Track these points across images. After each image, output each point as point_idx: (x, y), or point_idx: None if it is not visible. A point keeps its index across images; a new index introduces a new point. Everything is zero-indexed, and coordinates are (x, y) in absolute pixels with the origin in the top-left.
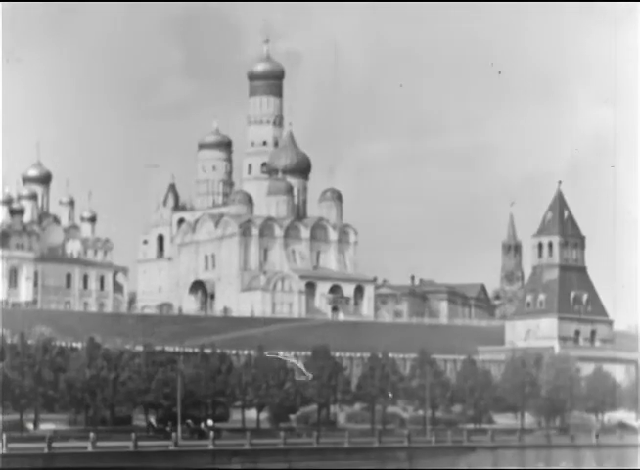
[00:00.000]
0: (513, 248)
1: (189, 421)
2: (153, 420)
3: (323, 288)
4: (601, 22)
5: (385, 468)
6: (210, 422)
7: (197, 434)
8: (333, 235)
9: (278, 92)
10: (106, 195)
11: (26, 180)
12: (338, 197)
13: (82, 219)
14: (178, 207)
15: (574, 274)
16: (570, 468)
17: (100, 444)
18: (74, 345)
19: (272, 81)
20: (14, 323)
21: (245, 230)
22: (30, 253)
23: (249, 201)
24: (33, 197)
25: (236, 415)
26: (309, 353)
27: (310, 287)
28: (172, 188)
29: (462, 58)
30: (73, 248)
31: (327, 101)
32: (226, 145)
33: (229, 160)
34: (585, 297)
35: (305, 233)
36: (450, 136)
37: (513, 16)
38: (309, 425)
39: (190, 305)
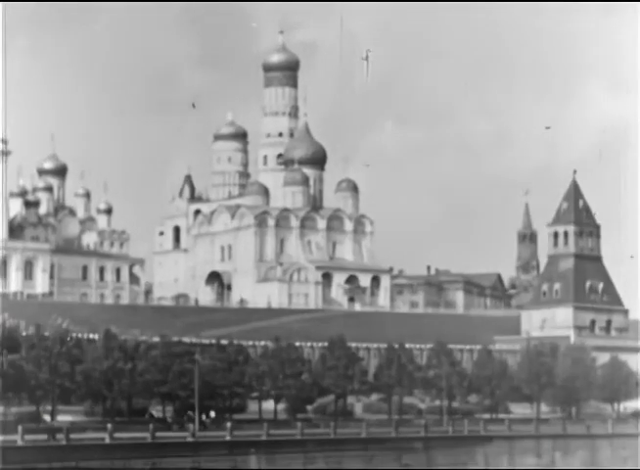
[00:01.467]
0: (528, 237)
1: (190, 413)
2: (154, 411)
3: (339, 278)
4: (615, 14)
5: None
6: (213, 414)
7: (200, 426)
8: (349, 225)
9: (293, 83)
10: (121, 186)
11: (42, 172)
12: (353, 187)
13: (98, 211)
14: (194, 198)
15: (590, 263)
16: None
17: (117, 435)
18: (91, 336)
19: (287, 72)
20: (30, 315)
21: (261, 221)
22: (46, 245)
23: (264, 192)
24: (49, 189)
25: (253, 406)
26: (326, 344)
27: (326, 278)
28: (188, 179)
29: (478, 48)
30: (89, 240)
31: (342, 91)
32: (242, 136)
33: (245, 151)
34: (601, 286)
35: (321, 224)
36: (466, 126)
37: (529, 7)
38: (326, 416)
39: (206, 296)
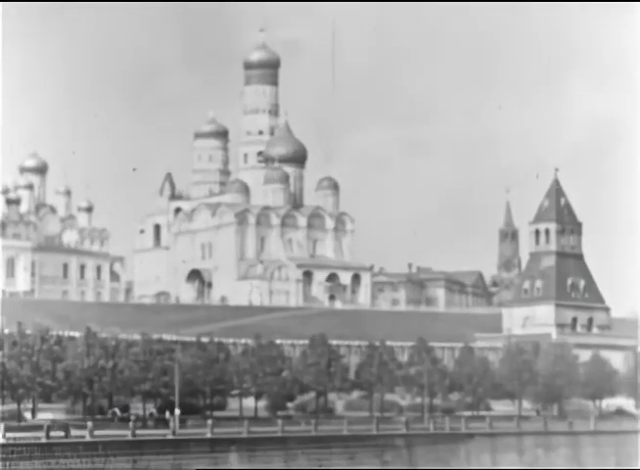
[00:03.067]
0: (510, 235)
1: (153, 411)
2: (117, 409)
3: (320, 276)
4: (601, 12)
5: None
6: (177, 411)
7: (162, 423)
8: (329, 223)
9: (274, 81)
10: (102, 185)
11: (23, 170)
12: (334, 185)
13: (79, 209)
14: (175, 196)
15: (571, 261)
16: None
17: (98, 433)
18: (72, 334)
19: (268, 70)
20: (11, 313)
21: (241, 219)
22: (27, 242)
23: (245, 190)
24: (30, 187)
25: (234, 404)
26: (307, 342)
27: (307, 275)
28: (169, 177)
29: (461, 46)
30: (70, 237)
31: (324, 89)
32: (222, 134)
33: (225, 149)
34: (582, 283)
35: (302, 222)
36: (447, 124)
37: (514, 6)
38: (307, 413)
39: (187, 293)
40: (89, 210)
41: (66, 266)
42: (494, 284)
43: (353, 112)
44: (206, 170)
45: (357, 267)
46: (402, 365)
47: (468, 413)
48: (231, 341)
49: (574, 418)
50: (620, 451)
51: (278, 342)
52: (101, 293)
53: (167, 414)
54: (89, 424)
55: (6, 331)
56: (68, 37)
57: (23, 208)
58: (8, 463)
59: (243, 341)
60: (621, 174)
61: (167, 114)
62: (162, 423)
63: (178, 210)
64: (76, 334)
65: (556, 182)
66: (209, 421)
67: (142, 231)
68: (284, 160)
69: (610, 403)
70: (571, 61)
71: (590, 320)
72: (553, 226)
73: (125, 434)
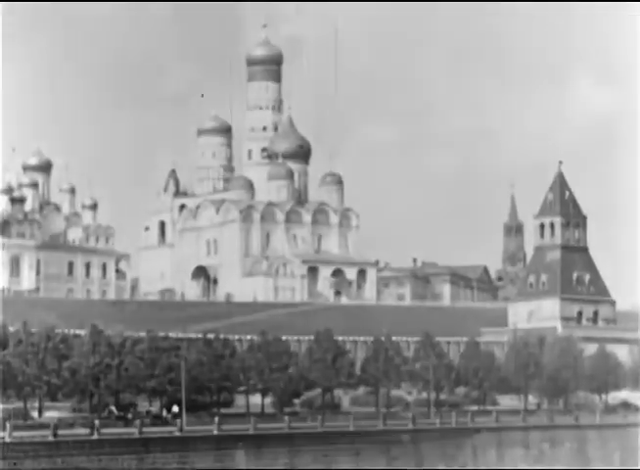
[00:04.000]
0: (515, 229)
1: (151, 409)
2: (113, 407)
3: (325, 272)
4: (603, 10)
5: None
6: (176, 408)
7: (160, 421)
8: (334, 219)
9: (277, 77)
10: (106, 182)
11: (27, 169)
12: (338, 181)
13: (83, 207)
14: (179, 193)
15: (576, 254)
16: None
17: (104, 430)
18: (77, 332)
19: (271, 66)
20: (16, 311)
21: (246, 215)
22: (32, 241)
23: (249, 186)
24: (34, 185)
25: (240, 400)
26: (312, 338)
27: (312, 271)
28: (173, 174)
29: (464, 42)
30: (75, 235)
31: (327, 85)
32: (226, 130)
33: (229, 145)
34: (587, 277)
35: (307, 217)
36: (452, 119)
37: (516, 4)
38: (313, 409)
39: (192, 290)
40: (93, 207)
41: (71, 264)
42: (499, 278)
43: (357, 107)
44: (210, 167)
45: (362, 263)
46: (408, 360)
47: (474, 408)
48: (237, 337)
49: (580, 411)
50: (626, 445)
51: (284, 338)
52: (106, 290)
53: (165, 412)
54: (96, 422)
55: (11, 329)
56: (71, 35)
57: (28, 206)
58: (15, 462)
59: (248, 337)
60: (625, 167)
61: (170, 110)
62: (160, 421)
63: (183, 206)
64: (82, 332)
65: (560, 175)
66: (216, 418)
67: (147, 228)
68: (288, 155)
69: (615, 396)
70: (574, 57)
71: (596, 313)
72: (558, 220)
73: (132, 432)
